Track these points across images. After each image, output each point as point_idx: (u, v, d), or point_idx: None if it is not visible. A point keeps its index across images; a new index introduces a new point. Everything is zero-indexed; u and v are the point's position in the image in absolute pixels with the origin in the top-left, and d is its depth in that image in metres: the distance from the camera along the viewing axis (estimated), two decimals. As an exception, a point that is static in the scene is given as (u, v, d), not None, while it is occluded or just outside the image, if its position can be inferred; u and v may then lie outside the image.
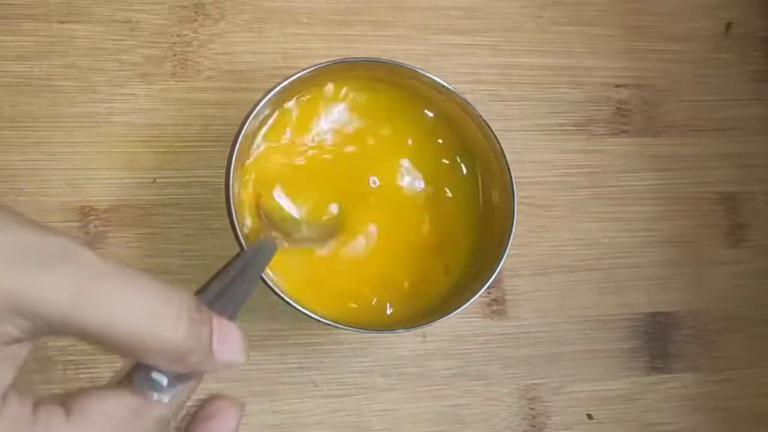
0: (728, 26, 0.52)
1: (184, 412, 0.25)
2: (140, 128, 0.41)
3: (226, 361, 0.24)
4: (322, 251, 0.38)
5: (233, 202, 0.34)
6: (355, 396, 0.41)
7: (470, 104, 0.38)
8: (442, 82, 0.38)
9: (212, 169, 0.41)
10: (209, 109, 0.42)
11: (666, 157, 0.48)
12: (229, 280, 0.27)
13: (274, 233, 0.36)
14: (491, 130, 0.38)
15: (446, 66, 0.46)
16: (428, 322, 0.36)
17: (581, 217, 0.46)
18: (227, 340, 0.24)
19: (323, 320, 0.33)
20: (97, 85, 0.41)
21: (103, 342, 0.21)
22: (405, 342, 0.42)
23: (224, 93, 0.43)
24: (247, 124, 0.35)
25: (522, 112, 0.47)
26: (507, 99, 0.47)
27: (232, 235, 0.34)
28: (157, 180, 0.41)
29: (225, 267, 0.29)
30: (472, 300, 0.35)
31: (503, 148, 0.38)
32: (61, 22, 0.42)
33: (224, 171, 0.34)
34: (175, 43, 0.43)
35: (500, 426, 0.42)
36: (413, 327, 0.37)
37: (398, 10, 0.46)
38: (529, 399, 0.43)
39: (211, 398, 0.25)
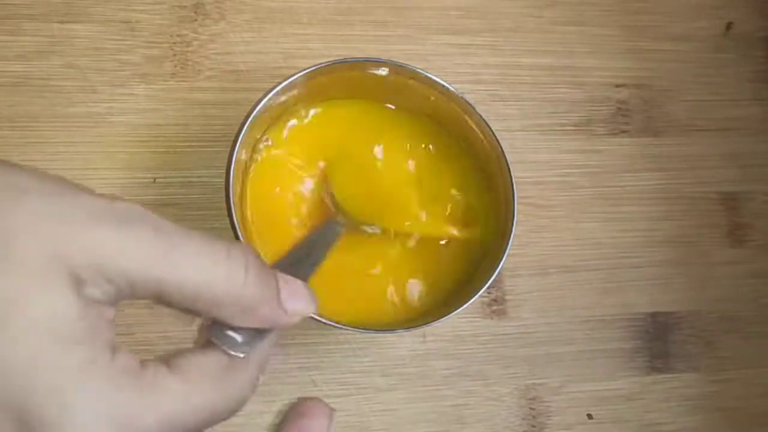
0: (728, 26, 0.51)
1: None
2: (140, 128, 0.41)
3: (295, 310, 0.24)
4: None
5: (233, 202, 0.34)
6: (355, 396, 0.41)
7: (470, 104, 0.38)
8: (442, 82, 0.38)
9: (212, 169, 0.41)
10: (209, 109, 0.42)
11: (666, 157, 0.48)
12: (293, 261, 0.29)
13: (339, 217, 0.37)
14: (491, 130, 0.38)
15: (446, 66, 0.46)
16: (428, 322, 0.36)
17: (581, 217, 0.46)
18: (294, 291, 0.25)
19: (323, 320, 0.33)
20: (97, 85, 0.41)
21: (180, 298, 0.22)
22: (405, 342, 0.42)
23: (224, 93, 0.43)
24: (247, 124, 0.35)
25: (522, 112, 0.47)
26: (507, 99, 0.47)
27: (232, 235, 0.34)
28: (157, 180, 0.41)
29: (291, 249, 0.31)
30: (472, 300, 0.35)
31: (503, 148, 0.38)
32: (61, 22, 0.42)
33: (224, 171, 0.34)
34: (175, 43, 0.43)
35: (500, 426, 0.42)
36: (413, 327, 0.37)
37: (398, 10, 0.46)
38: (529, 399, 0.43)
39: (303, 398, 0.26)
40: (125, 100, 0.42)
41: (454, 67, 0.46)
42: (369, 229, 0.37)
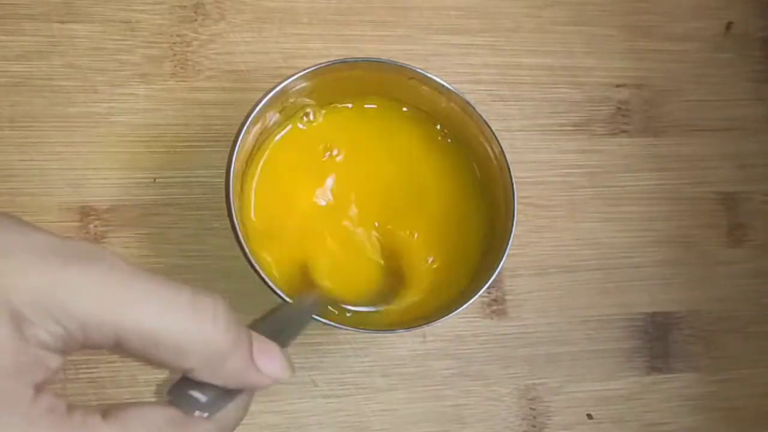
0: (728, 26, 0.51)
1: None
2: (140, 128, 0.41)
3: (268, 370, 0.23)
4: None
5: (233, 202, 0.34)
6: (355, 396, 0.41)
7: (470, 104, 0.38)
8: (442, 82, 0.38)
9: (212, 169, 0.41)
10: (209, 109, 0.42)
11: (666, 157, 0.48)
12: (270, 330, 0.27)
13: (316, 293, 0.35)
14: (491, 130, 0.38)
15: (446, 66, 0.46)
16: (428, 322, 0.36)
17: (581, 217, 0.46)
18: (268, 351, 0.23)
19: (323, 320, 0.33)
20: (97, 85, 0.41)
21: (140, 345, 0.20)
22: (405, 342, 0.42)
23: (224, 93, 0.43)
24: (247, 123, 0.35)
25: (522, 112, 0.47)
26: (507, 99, 0.47)
27: (232, 235, 0.34)
28: (157, 180, 0.41)
29: (266, 317, 0.29)
30: (472, 300, 0.35)
31: (503, 148, 0.38)
32: (61, 22, 0.42)
33: (224, 171, 0.34)
34: (175, 43, 0.43)
35: (500, 426, 0.42)
36: (413, 327, 0.37)
37: (398, 10, 0.46)
38: (529, 399, 0.43)
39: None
40: (125, 100, 0.42)
41: (454, 67, 0.46)
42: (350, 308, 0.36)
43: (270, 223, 0.38)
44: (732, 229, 0.48)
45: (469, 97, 0.38)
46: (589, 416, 0.44)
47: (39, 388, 0.19)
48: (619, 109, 0.48)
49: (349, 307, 0.36)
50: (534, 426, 0.43)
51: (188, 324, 0.21)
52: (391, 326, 0.37)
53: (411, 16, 0.46)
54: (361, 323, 0.36)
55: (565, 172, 0.47)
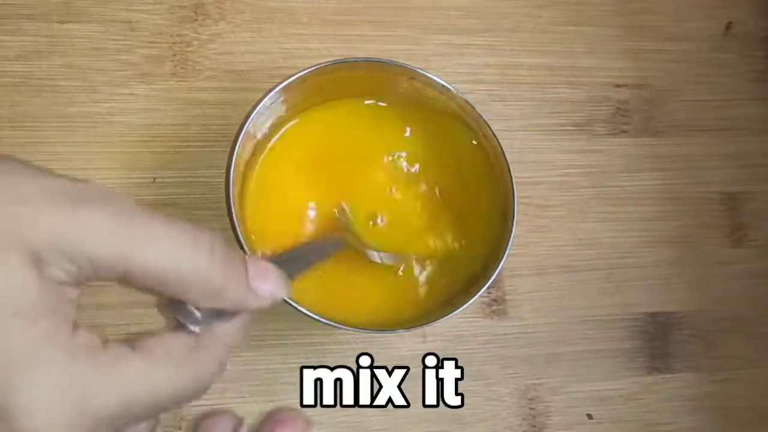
0: (728, 26, 0.51)
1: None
2: (140, 128, 0.41)
3: (263, 291, 0.25)
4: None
5: (233, 202, 0.34)
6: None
7: (470, 104, 0.38)
8: (442, 82, 0.38)
9: (212, 169, 0.41)
10: (209, 109, 0.42)
11: (666, 157, 0.48)
12: (283, 259, 0.30)
13: (346, 236, 0.37)
14: (491, 130, 0.38)
15: (446, 66, 0.46)
16: (428, 322, 0.36)
17: (581, 217, 0.46)
18: (264, 275, 0.25)
19: (323, 320, 0.33)
20: (97, 85, 0.41)
21: (145, 280, 0.22)
22: (405, 342, 0.42)
23: (224, 93, 0.43)
24: (248, 123, 0.35)
25: (522, 112, 0.47)
26: (507, 99, 0.47)
27: (232, 234, 0.34)
28: (156, 180, 0.41)
29: (286, 250, 0.32)
30: (472, 300, 0.35)
31: (503, 148, 0.38)
32: (61, 22, 0.42)
33: (224, 171, 0.34)
34: (175, 43, 0.43)
35: (500, 426, 0.42)
36: (413, 327, 0.37)
37: (398, 10, 0.46)
38: (529, 399, 0.43)
39: (281, 408, 0.27)
40: (125, 100, 0.42)
41: (454, 67, 0.46)
42: (374, 256, 0.37)
43: (270, 223, 0.38)
44: (733, 229, 0.48)
45: (469, 97, 0.38)
46: (589, 416, 0.44)
47: (75, 324, 0.21)
48: (618, 109, 0.48)
49: (373, 254, 0.37)
50: (534, 426, 0.43)
51: (189, 260, 0.22)
52: (391, 326, 0.37)
53: (411, 16, 0.46)
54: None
55: (565, 172, 0.47)
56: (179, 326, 0.24)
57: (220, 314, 0.24)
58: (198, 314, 0.24)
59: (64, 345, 0.20)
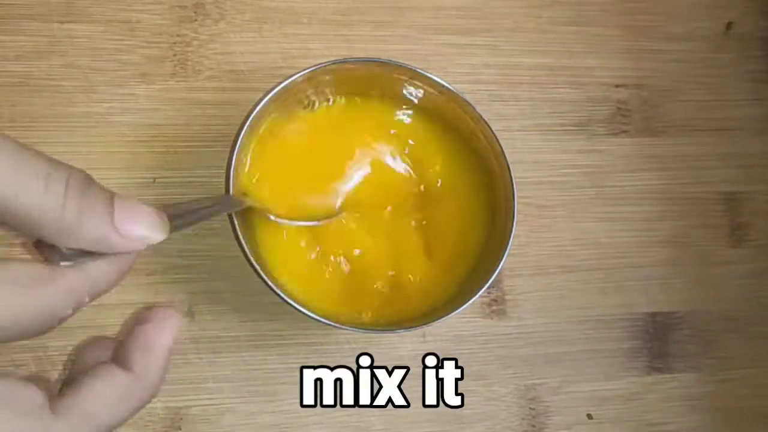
0: (728, 26, 0.52)
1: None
2: (140, 128, 0.41)
3: (131, 233, 0.23)
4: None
5: (233, 202, 0.34)
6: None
7: (470, 104, 0.38)
8: (442, 82, 0.38)
9: (212, 169, 0.41)
10: (209, 109, 0.42)
11: (666, 157, 0.48)
12: (178, 211, 0.27)
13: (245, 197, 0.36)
14: (491, 130, 0.38)
15: (446, 66, 0.46)
16: (428, 322, 0.36)
17: (581, 217, 0.46)
18: (133, 214, 0.23)
19: (323, 320, 0.33)
20: (97, 85, 0.41)
21: None
22: (405, 342, 0.42)
23: (224, 93, 0.43)
24: (247, 124, 0.35)
25: (522, 112, 0.47)
26: (507, 99, 0.47)
27: (232, 235, 0.34)
28: (157, 180, 0.41)
29: (184, 202, 0.29)
30: (472, 300, 0.35)
31: (503, 148, 0.38)
32: (61, 22, 0.42)
33: (224, 171, 0.34)
34: (175, 43, 0.43)
35: (500, 426, 0.42)
36: (413, 327, 0.37)
37: (398, 10, 0.46)
38: (529, 399, 0.43)
39: (150, 306, 0.25)
40: (125, 100, 0.42)
41: (454, 67, 0.46)
42: (275, 219, 0.37)
43: (271, 222, 0.38)
44: (733, 229, 0.48)
45: (469, 97, 0.38)
46: (589, 416, 0.44)
47: None
48: (618, 109, 0.48)
49: (282, 221, 0.36)
50: (534, 426, 0.43)
51: (38, 195, 0.21)
52: (391, 326, 0.37)
53: (411, 16, 0.46)
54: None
55: (565, 172, 0.47)
56: (46, 261, 0.22)
57: (92, 254, 0.23)
58: (64, 250, 0.22)
59: None
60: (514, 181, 0.37)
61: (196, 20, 0.44)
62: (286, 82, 0.35)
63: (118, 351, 0.24)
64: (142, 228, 0.24)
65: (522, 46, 0.48)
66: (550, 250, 0.45)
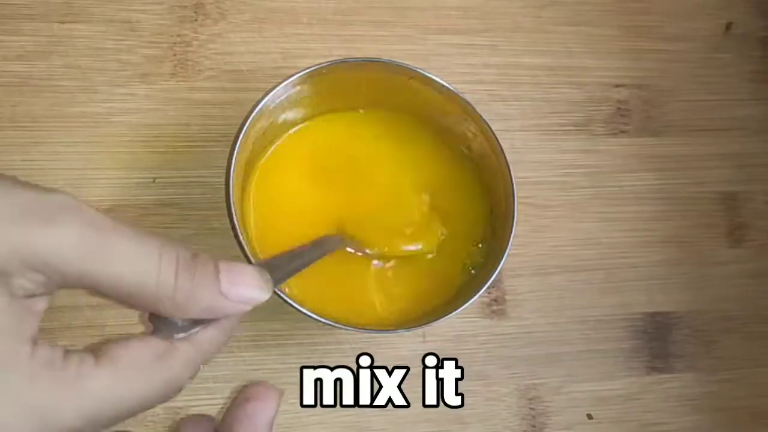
0: (728, 26, 0.52)
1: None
2: (140, 128, 0.41)
3: (239, 297, 0.24)
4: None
5: (233, 202, 0.34)
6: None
7: (470, 104, 0.38)
8: (442, 82, 0.38)
9: (212, 169, 0.41)
10: (209, 109, 0.42)
11: (666, 157, 0.48)
12: (274, 263, 0.29)
13: (339, 236, 0.37)
14: (491, 130, 0.38)
15: (446, 66, 0.46)
16: (428, 322, 0.36)
17: (581, 217, 0.46)
18: (237, 279, 0.24)
19: (323, 320, 0.33)
20: (97, 85, 0.41)
21: (114, 294, 0.22)
22: (405, 342, 0.42)
23: (224, 93, 0.43)
24: (247, 123, 0.35)
25: (522, 112, 0.47)
26: (507, 99, 0.47)
27: (232, 235, 0.34)
28: (157, 180, 0.41)
29: (280, 254, 0.31)
30: (472, 300, 0.35)
31: (503, 148, 0.38)
32: (61, 22, 0.42)
33: (224, 171, 0.34)
34: (175, 43, 0.43)
35: (500, 426, 0.42)
36: (413, 327, 0.37)
37: (398, 10, 0.46)
38: (529, 399, 0.43)
39: (251, 384, 0.26)
40: (125, 100, 0.42)
41: (454, 67, 0.46)
42: (367, 252, 0.38)
43: (271, 222, 0.38)
44: (732, 229, 0.48)
45: (469, 97, 0.38)
46: (589, 416, 0.44)
47: (35, 341, 0.21)
48: (618, 109, 0.48)
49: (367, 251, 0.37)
50: (534, 426, 0.43)
51: (153, 275, 0.22)
52: (391, 326, 0.37)
53: (411, 16, 0.46)
54: None
55: (565, 172, 0.47)
56: (154, 330, 0.24)
57: (201, 320, 0.24)
58: (178, 322, 0.23)
59: (25, 364, 0.20)
60: (514, 181, 0.37)
61: (196, 20, 0.44)
62: (286, 82, 0.35)
63: (221, 429, 0.26)
64: (248, 290, 0.25)
65: (522, 46, 0.48)
66: (550, 250, 0.45)
